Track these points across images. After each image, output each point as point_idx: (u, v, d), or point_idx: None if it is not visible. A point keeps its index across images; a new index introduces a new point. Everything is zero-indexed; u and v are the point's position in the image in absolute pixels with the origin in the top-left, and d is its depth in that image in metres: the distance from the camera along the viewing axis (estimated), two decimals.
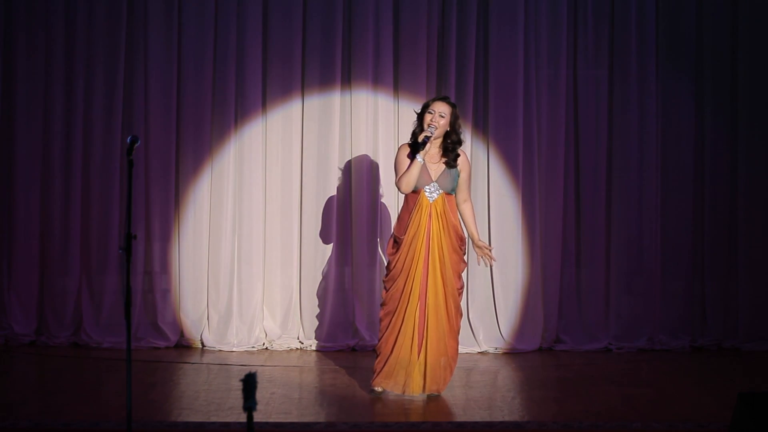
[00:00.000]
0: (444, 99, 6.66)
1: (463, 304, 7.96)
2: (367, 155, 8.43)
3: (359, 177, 8.42)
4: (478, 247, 6.72)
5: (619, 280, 8.57)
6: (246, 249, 8.42)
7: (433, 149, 6.54)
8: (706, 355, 8.37)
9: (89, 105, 8.41)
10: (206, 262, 8.43)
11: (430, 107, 6.58)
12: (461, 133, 6.68)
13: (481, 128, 8.48)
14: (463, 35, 8.47)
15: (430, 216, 6.54)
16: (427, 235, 6.53)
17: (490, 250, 6.74)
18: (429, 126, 6.51)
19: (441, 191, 6.56)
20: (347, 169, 8.44)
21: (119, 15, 8.37)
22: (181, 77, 8.44)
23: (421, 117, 6.60)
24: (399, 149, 6.67)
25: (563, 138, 8.53)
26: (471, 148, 8.42)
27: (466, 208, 6.71)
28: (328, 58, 8.43)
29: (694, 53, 8.58)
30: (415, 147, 6.51)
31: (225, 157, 8.43)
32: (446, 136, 6.58)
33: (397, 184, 6.60)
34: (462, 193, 6.68)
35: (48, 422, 5.89)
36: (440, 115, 6.55)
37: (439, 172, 6.57)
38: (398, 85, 8.47)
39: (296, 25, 8.43)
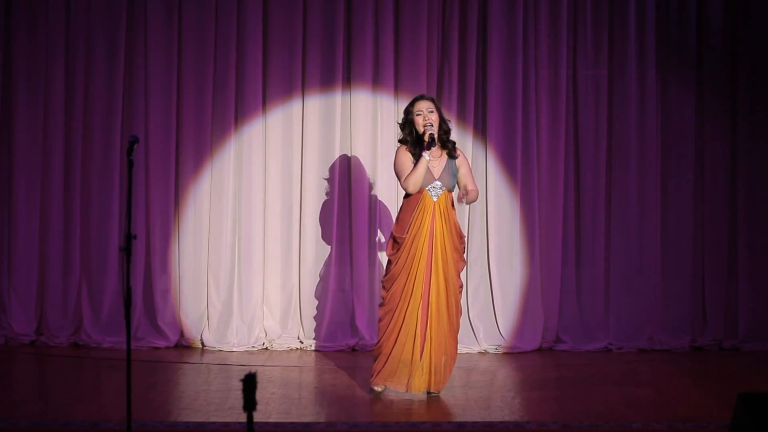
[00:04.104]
0: (422, 97, 6.67)
1: (463, 303, 7.95)
2: (367, 155, 8.43)
3: (359, 177, 8.41)
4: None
5: (619, 280, 8.56)
6: (246, 249, 8.42)
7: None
8: (706, 355, 8.37)
9: (89, 105, 8.40)
10: (206, 262, 8.43)
11: (415, 110, 6.58)
12: (448, 121, 6.72)
13: (480, 128, 8.48)
14: (464, 35, 8.46)
15: (433, 215, 6.52)
16: (431, 234, 6.52)
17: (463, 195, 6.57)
18: (426, 125, 6.52)
19: (444, 189, 6.56)
20: (347, 169, 8.44)
21: (119, 15, 8.37)
22: (181, 77, 8.43)
23: (408, 124, 6.59)
24: (397, 151, 6.65)
25: (563, 138, 8.53)
26: (471, 148, 8.42)
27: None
28: (328, 58, 8.43)
29: (694, 53, 8.57)
30: (419, 145, 6.54)
31: (225, 157, 8.43)
32: (438, 128, 6.60)
33: (404, 186, 6.57)
34: (468, 185, 6.60)
35: (48, 422, 5.89)
36: (428, 111, 6.57)
37: (441, 168, 6.57)
38: (398, 86, 8.47)
39: (296, 25, 8.43)
